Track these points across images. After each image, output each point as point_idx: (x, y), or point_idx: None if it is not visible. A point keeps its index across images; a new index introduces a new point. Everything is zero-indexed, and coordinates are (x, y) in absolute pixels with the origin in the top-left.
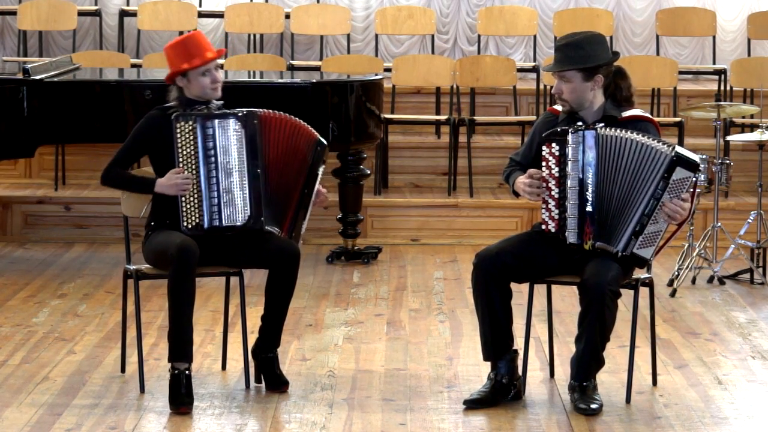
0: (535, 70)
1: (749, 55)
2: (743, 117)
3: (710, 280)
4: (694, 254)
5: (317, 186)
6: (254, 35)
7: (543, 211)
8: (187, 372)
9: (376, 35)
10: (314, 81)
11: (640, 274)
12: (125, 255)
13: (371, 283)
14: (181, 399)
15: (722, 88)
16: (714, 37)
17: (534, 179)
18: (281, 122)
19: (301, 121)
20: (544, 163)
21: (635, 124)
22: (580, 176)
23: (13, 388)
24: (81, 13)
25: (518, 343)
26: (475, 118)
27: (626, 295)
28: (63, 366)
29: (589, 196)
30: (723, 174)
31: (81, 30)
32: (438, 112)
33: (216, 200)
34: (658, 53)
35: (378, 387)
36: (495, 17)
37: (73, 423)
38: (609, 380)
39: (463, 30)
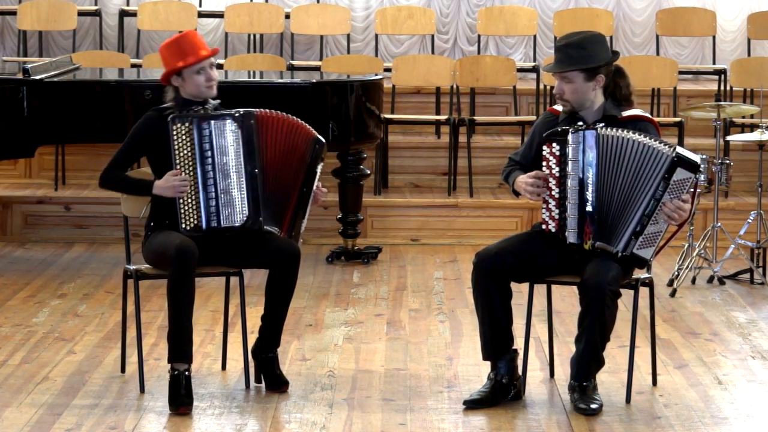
0: (535, 70)
1: (749, 55)
2: (743, 117)
3: (710, 280)
4: (694, 254)
5: (316, 184)
6: (254, 35)
7: (543, 210)
8: (186, 373)
9: (376, 35)
10: (314, 81)
11: (640, 274)
12: (125, 255)
13: (371, 283)
14: (181, 400)
15: (722, 88)
16: (714, 37)
17: (535, 179)
18: (278, 121)
19: (298, 119)
20: (544, 163)
21: (635, 123)
22: (581, 176)
23: (13, 388)
24: (81, 13)
25: (518, 343)
26: (475, 118)
27: (626, 295)
28: (63, 366)
29: (590, 196)
30: (723, 174)
31: (81, 30)
32: (438, 112)
33: (214, 201)
34: (658, 53)
35: (378, 387)
36: (495, 17)
37: (73, 423)
38: (609, 380)
39: (463, 30)
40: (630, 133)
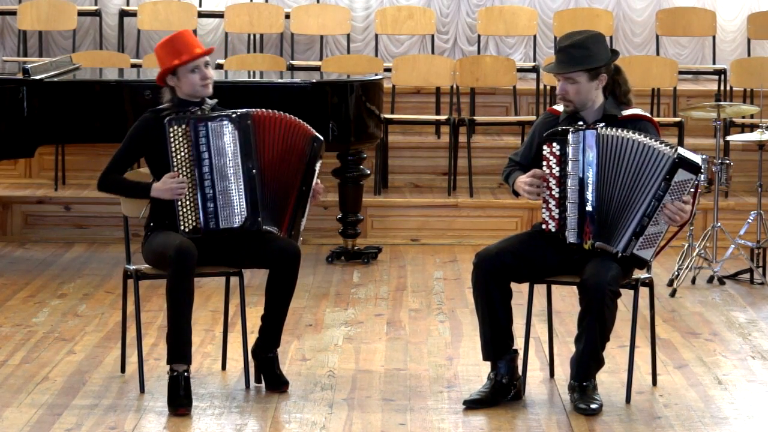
0: (535, 70)
1: (749, 55)
2: (743, 117)
3: (710, 280)
4: (694, 254)
5: (315, 182)
6: (254, 35)
7: (543, 210)
8: (185, 374)
9: (376, 35)
10: (314, 81)
11: (639, 274)
12: (125, 255)
13: (371, 283)
14: (180, 401)
15: (722, 88)
16: (714, 37)
17: (535, 179)
18: (276, 121)
19: (295, 118)
20: (544, 163)
21: (635, 123)
22: (581, 176)
23: (13, 388)
24: (81, 13)
25: (518, 343)
26: (475, 118)
27: (626, 295)
28: (63, 366)
29: (590, 195)
30: (723, 174)
31: (81, 30)
32: (438, 112)
33: (212, 203)
34: (658, 53)
35: (378, 387)
36: (495, 17)
37: (73, 423)
38: (609, 380)
39: (463, 30)
40: (630, 133)
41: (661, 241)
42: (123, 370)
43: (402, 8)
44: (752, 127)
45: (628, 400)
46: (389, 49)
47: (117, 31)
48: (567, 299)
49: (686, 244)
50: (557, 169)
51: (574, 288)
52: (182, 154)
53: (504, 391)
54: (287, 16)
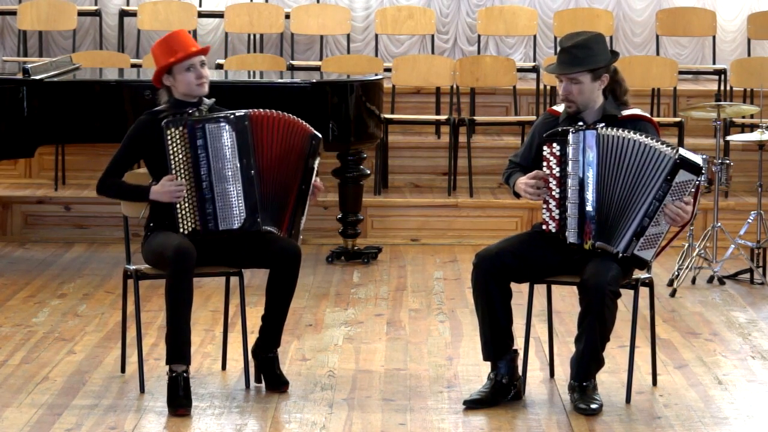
0: (535, 70)
1: (749, 55)
2: (743, 117)
3: (710, 280)
4: (694, 254)
5: (314, 179)
6: (254, 35)
7: (543, 210)
8: (185, 374)
9: (376, 35)
10: (314, 81)
11: (640, 274)
12: (125, 255)
13: (371, 283)
14: (180, 401)
15: (722, 88)
16: (714, 37)
17: (536, 180)
18: (273, 121)
19: (293, 116)
20: (544, 163)
21: (635, 123)
22: (581, 176)
23: (13, 388)
24: (81, 13)
25: (518, 343)
26: (475, 118)
27: (626, 295)
28: (63, 366)
29: (590, 196)
30: (723, 174)
31: (81, 30)
32: (438, 112)
33: (211, 205)
34: (658, 53)
35: (378, 387)
36: (495, 17)
37: (73, 423)
38: (609, 380)
39: (463, 30)
40: (631, 133)
41: (662, 242)
42: (123, 370)
43: (402, 8)
44: (752, 127)
45: (628, 400)
46: (389, 49)
47: (117, 31)
48: (567, 299)
49: (686, 244)
50: (557, 169)
51: (574, 288)
52: (180, 156)
53: (504, 391)
54: (287, 16)
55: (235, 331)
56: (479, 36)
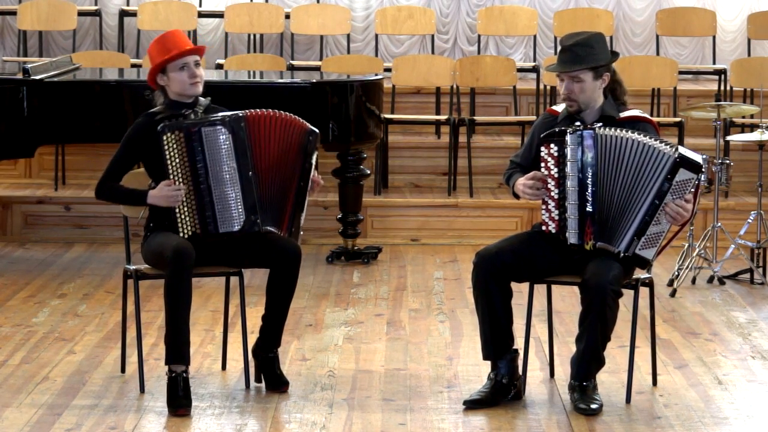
0: (535, 70)
1: (749, 55)
2: (743, 117)
3: (710, 280)
4: (694, 254)
5: (312, 173)
6: (254, 35)
7: (543, 211)
8: (184, 374)
9: (376, 35)
10: (314, 81)
11: (640, 274)
12: (125, 255)
13: (371, 283)
14: (179, 401)
15: (722, 88)
16: (714, 37)
17: (535, 181)
18: (270, 120)
19: (289, 114)
20: (543, 164)
21: (634, 124)
22: (580, 176)
23: (13, 388)
24: (81, 13)
25: (518, 343)
26: (475, 118)
27: (626, 295)
28: (63, 366)
29: (589, 196)
30: (723, 174)
31: (81, 30)
32: (438, 112)
33: (210, 210)
34: (658, 53)
35: (378, 387)
36: (495, 17)
37: (73, 423)
38: (609, 380)
39: (463, 30)
40: (630, 132)
41: (663, 241)
42: (123, 370)
43: (402, 8)
44: (752, 127)
45: (628, 400)
46: (389, 49)
47: (117, 31)
48: (567, 299)
49: (686, 244)
50: (555, 170)
51: (574, 288)
52: (177, 161)
53: (504, 391)
54: (287, 16)
55: (235, 331)
56: (479, 36)
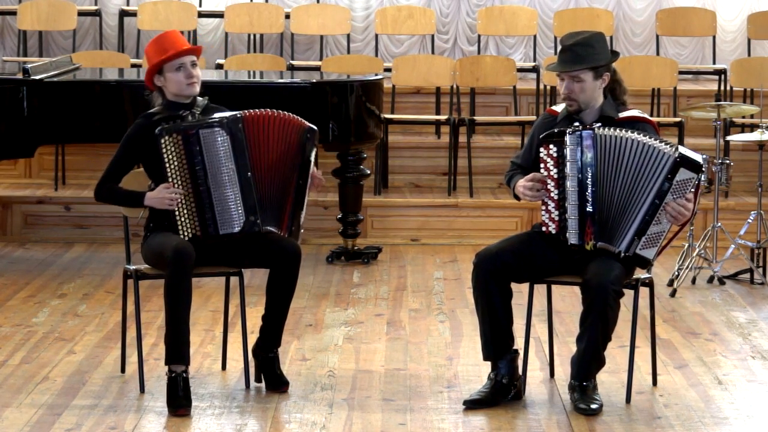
0: (535, 70)
1: (749, 55)
2: (743, 117)
3: (710, 280)
4: (694, 254)
5: (312, 171)
6: (254, 35)
7: (542, 212)
8: (184, 374)
9: (376, 35)
10: (314, 81)
11: (640, 274)
12: (125, 255)
13: (371, 283)
14: (179, 401)
15: (722, 88)
16: (714, 37)
17: (534, 182)
18: (267, 120)
19: (287, 113)
20: (542, 165)
21: (633, 124)
22: (579, 177)
23: (13, 388)
24: (81, 13)
25: (518, 343)
26: (475, 118)
27: (626, 295)
28: (63, 366)
29: (589, 196)
30: (723, 174)
31: (81, 30)
32: (438, 112)
33: (209, 212)
34: (658, 53)
35: (378, 387)
36: (495, 17)
37: (73, 423)
38: (609, 380)
39: (463, 30)
40: (629, 132)
41: (663, 241)
42: (123, 370)
43: (402, 8)
44: (752, 127)
45: (628, 400)
46: (389, 49)
47: (117, 31)
48: (567, 299)
49: (686, 244)
50: (555, 170)
51: (574, 288)
52: (175, 164)
53: (504, 391)
54: (287, 16)
55: (235, 331)
56: (479, 36)
